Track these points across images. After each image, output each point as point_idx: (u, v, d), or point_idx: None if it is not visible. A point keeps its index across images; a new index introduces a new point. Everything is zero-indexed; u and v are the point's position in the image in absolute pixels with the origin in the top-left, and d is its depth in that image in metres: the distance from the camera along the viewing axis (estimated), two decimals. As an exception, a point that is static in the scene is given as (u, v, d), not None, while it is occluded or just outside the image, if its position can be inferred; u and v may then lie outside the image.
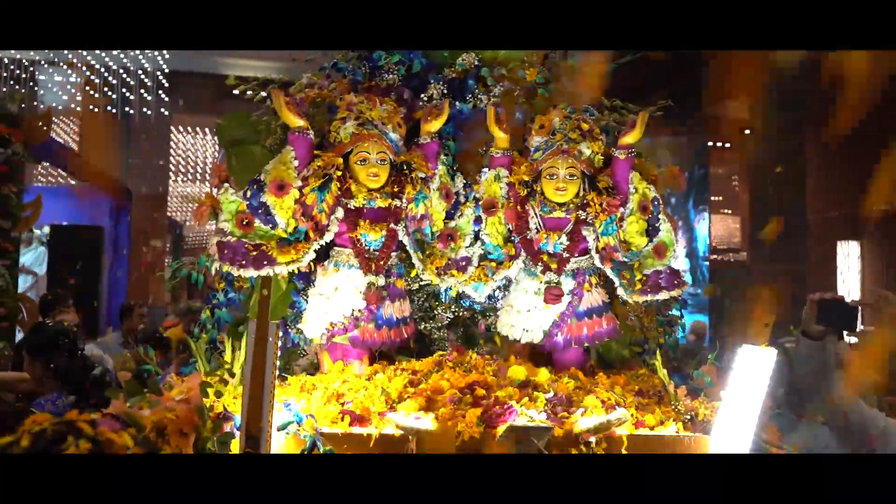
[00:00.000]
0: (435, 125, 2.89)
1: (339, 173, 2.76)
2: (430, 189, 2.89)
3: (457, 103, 3.08)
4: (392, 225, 2.81)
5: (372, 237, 2.79)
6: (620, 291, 2.89)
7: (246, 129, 3.04)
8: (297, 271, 2.79)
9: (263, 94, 3.21)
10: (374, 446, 2.25)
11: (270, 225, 2.75)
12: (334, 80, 3.11)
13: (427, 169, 2.88)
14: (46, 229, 7.39)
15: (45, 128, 6.42)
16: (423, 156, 2.88)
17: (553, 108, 3.02)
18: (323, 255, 2.87)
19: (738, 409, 2.44)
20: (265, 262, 2.67)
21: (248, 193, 2.74)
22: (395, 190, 2.82)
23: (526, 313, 2.93)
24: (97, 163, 9.08)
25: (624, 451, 2.36)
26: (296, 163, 2.75)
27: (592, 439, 2.36)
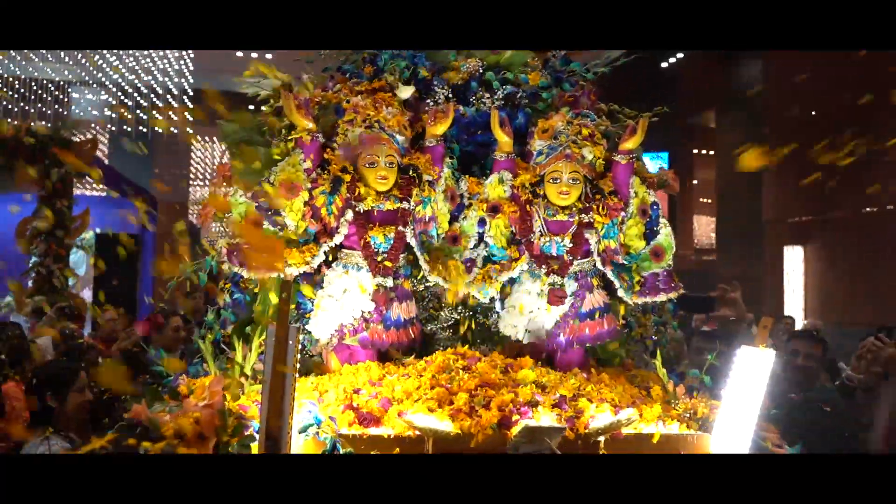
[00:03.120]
0: (440, 128, 2.93)
1: (349, 176, 2.78)
2: (435, 192, 2.93)
3: (461, 107, 3.12)
4: (400, 227, 2.85)
5: (381, 240, 2.82)
6: (620, 293, 2.97)
7: (250, 129, 3.04)
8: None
9: (262, 91, 3.21)
10: (391, 447, 2.29)
11: (279, 227, 2.76)
12: (338, 82, 3.13)
13: (433, 172, 2.92)
14: (86, 235, 8.14)
15: (92, 150, 7.48)
16: (428, 159, 2.92)
17: (555, 113, 3.08)
18: (329, 256, 2.89)
19: (737, 409, 2.53)
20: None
21: (257, 195, 2.75)
22: (403, 193, 2.86)
23: (528, 314, 2.99)
24: (126, 174, 9.75)
25: (629, 450, 2.44)
26: (305, 164, 2.76)
27: (601, 439, 2.44)
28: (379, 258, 2.82)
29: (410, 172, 2.87)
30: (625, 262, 3.00)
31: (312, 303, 2.89)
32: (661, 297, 2.99)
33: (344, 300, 2.80)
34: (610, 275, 2.97)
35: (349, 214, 2.80)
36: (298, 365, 2.23)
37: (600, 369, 2.94)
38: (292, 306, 2.89)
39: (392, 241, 2.83)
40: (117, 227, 9.59)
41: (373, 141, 2.80)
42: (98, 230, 8.75)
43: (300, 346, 2.92)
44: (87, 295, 8.35)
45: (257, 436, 2.17)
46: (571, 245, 2.96)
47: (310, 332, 2.87)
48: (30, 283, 7.00)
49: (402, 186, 2.86)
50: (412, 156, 2.92)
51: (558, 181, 2.93)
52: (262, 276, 2.70)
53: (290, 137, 2.84)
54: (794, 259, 11.18)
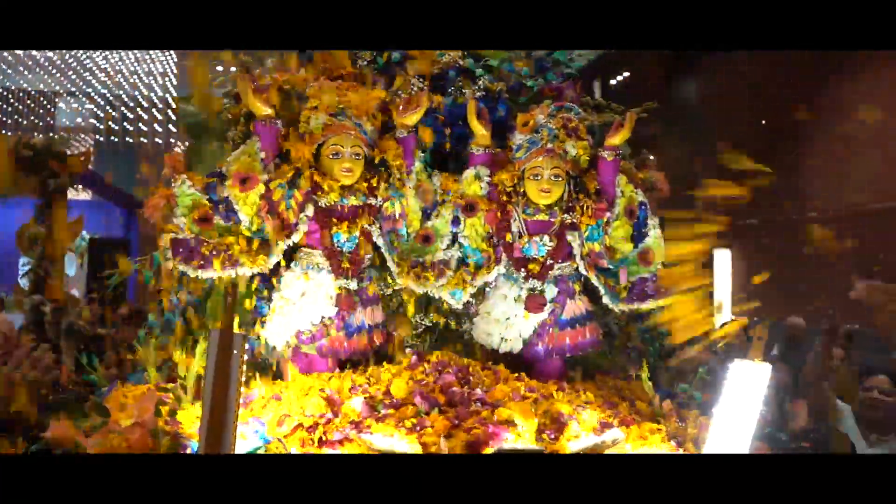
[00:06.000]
0: (412, 118, 2.68)
1: (309, 169, 2.53)
2: (406, 187, 2.69)
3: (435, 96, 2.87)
4: (366, 225, 2.60)
5: (345, 238, 2.57)
6: (606, 300, 2.75)
7: (208, 114, 2.79)
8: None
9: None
10: (348, 470, 2.05)
11: (231, 222, 2.50)
12: (304, 65, 2.88)
13: (403, 165, 2.68)
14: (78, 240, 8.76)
15: (85, 162, 8.13)
16: (398, 151, 2.68)
17: (536, 106, 2.85)
18: (287, 255, 2.64)
19: (730, 428, 2.32)
20: (227, 263, 2.43)
21: (208, 186, 2.49)
22: (370, 187, 2.61)
23: (505, 321, 2.76)
24: (112, 180, 10.51)
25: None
26: (262, 154, 2.51)
27: (583, 461, 2.21)
28: (342, 258, 2.57)
29: (379, 165, 2.63)
30: (610, 267, 2.77)
31: (268, 306, 2.63)
32: (650, 304, 2.77)
33: (302, 304, 2.54)
34: (594, 280, 2.75)
35: (309, 210, 2.55)
36: (244, 378, 1.97)
37: (582, 383, 2.72)
38: (248, 309, 2.64)
39: (356, 240, 2.59)
40: (106, 231, 10.56)
41: (337, 130, 2.55)
42: (86, 233, 9.20)
43: (245, 356, 2.66)
44: (75, 293, 8.82)
45: (195, 457, 1.92)
46: (552, 247, 2.73)
47: (265, 339, 2.61)
48: (26, 284, 7.53)
49: (368, 180, 2.62)
50: (381, 147, 2.67)
51: (539, 178, 2.70)
52: (209, 275, 2.43)
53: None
54: (723, 261, 11.44)
